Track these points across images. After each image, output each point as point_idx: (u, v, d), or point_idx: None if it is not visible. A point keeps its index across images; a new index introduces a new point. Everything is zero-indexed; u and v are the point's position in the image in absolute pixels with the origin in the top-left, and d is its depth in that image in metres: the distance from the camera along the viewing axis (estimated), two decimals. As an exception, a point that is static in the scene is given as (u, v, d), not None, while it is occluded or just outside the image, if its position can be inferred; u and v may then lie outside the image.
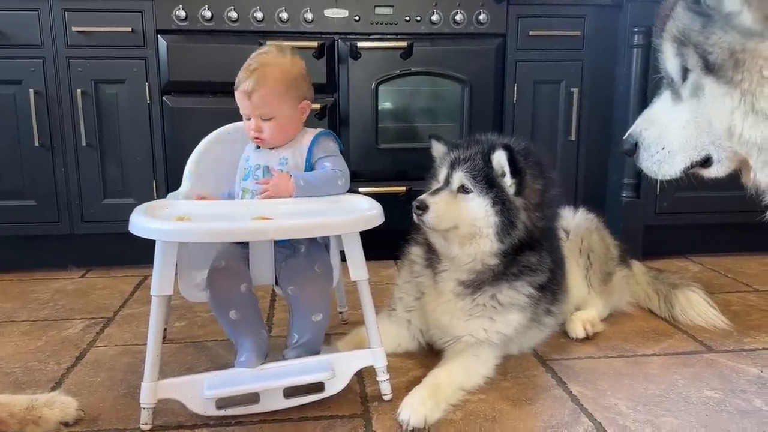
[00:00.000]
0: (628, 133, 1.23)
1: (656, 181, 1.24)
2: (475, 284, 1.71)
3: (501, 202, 1.64)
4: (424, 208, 1.64)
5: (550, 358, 1.86)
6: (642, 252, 2.80)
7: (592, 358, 1.88)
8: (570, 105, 2.85)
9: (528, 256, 1.70)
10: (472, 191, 1.66)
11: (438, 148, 1.83)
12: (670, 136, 1.16)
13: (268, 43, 2.56)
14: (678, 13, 1.08)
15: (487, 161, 1.66)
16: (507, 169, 1.64)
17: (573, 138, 2.88)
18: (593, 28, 2.80)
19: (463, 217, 1.66)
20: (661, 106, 1.18)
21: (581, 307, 2.08)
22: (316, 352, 1.62)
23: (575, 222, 2.14)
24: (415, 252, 1.87)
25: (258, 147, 1.77)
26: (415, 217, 1.66)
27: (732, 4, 0.97)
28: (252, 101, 1.66)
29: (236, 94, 1.70)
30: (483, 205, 1.65)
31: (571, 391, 1.66)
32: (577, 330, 1.98)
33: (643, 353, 1.91)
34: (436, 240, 1.75)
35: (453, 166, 1.70)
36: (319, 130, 1.77)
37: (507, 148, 1.64)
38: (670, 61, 1.12)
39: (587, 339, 1.98)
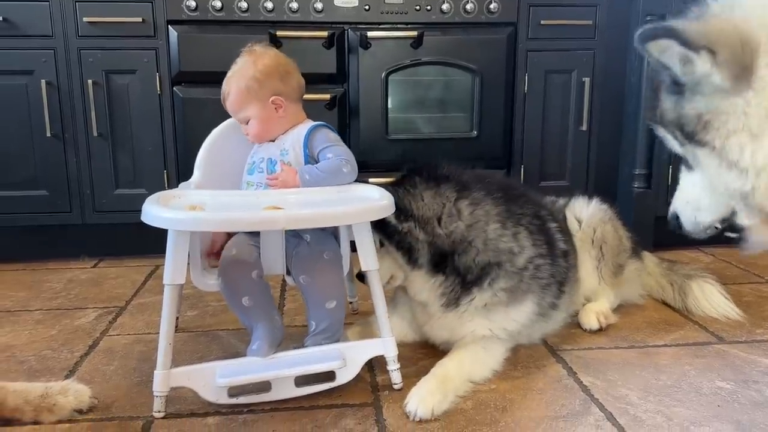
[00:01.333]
0: (669, 213, 1.33)
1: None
2: (452, 301, 1.71)
3: (392, 235, 1.67)
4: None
5: (561, 349, 1.86)
6: (653, 243, 2.78)
7: (602, 348, 1.87)
8: (581, 95, 2.83)
9: (471, 256, 1.68)
10: (384, 241, 1.70)
11: None
12: (695, 199, 1.25)
13: (277, 33, 2.57)
14: (659, 97, 1.16)
15: None
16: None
17: (584, 128, 2.86)
18: (605, 17, 2.78)
19: (391, 269, 1.72)
20: (683, 179, 1.27)
21: (591, 298, 2.07)
22: (337, 339, 1.63)
23: (589, 212, 2.11)
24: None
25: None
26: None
27: (703, 66, 1.01)
28: (228, 106, 1.79)
29: None
30: (391, 250, 1.69)
31: (581, 382, 1.66)
32: (591, 322, 1.98)
33: (654, 344, 1.90)
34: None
35: None
36: (313, 123, 1.77)
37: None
38: (670, 142, 1.19)
39: (600, 330, 1.97)
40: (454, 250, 1.67)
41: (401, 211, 1.65)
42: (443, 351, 1.75)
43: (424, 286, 1.72)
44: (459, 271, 1.68)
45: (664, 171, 2.81)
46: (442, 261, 1.68)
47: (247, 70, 1.74)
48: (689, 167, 1.20)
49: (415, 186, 1.71)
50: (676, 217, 1.30)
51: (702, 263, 2.69)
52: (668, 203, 2.72)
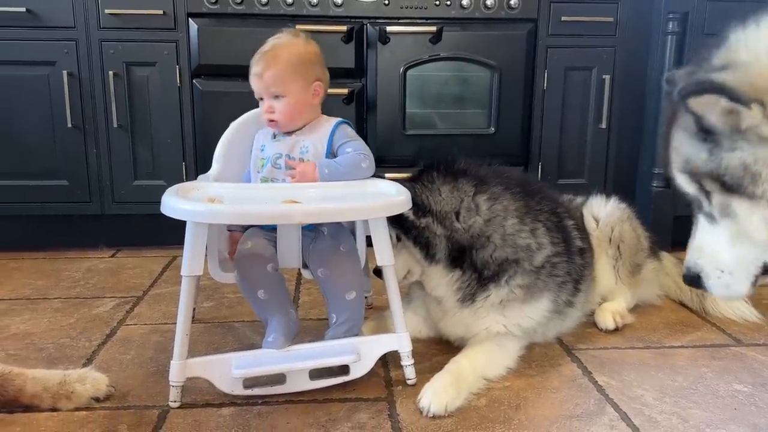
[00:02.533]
0: (685, 267, 1.22)
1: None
2: (468, 297, 1.71)
3: (410, 230, 1.66)
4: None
5: (576, 348, 1.85)
6: (671, 243, 2.76)
7: (618, 348, 1.86)
8: (601, 92, 2.80)
9: (490, 252, 1.67)
10: (401, 237, 1.70)
11: None
12: (722, 259, 1.15)
13: (297, 27, 2.57)
14: (679, 142, 1.08)
15: None
16: None
17: (604, 126, 2.84)
18: (627, 14, 2.75)
19: (407, 264, 1.72)
20: (702, 231, 1.17)
21: (608, 297, 2.06)
22: (357, 331, 1.63)
23: (606, 211, 2.10)
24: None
25: (275, 136, 1.77)
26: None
27: (751, 118, 0.96)
28: (264, 80, 1.68)
29: (250, 77, 1.73)
30: (408, 245, 1.69)
31: (596, 381, 1.65)
32: (607, 321, 1.96)
33: (670, 345, 1.89)
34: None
35: None
36: (337, 119, 1.77)
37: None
38: (688, 188, 1.11)
39: (616, 330, 1.96)
40: (472, 245, 1.67)
41: (419, 207, 1.65)
42: (458, 347, 1.75)
43: (441, 281, 1.72)
44: (476, 267, 1.68)
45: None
46: (460, 256, 1.68)
47: (299, 47, 1.70)
48: (712, 219, 1.11)
49: (432, 181, 1.70)
50: (699, 278, 1.19)
51: (721, 264, 2.66)
52: (687, 203, 2.69)
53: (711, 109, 0.99)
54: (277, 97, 1.69)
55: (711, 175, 1.05)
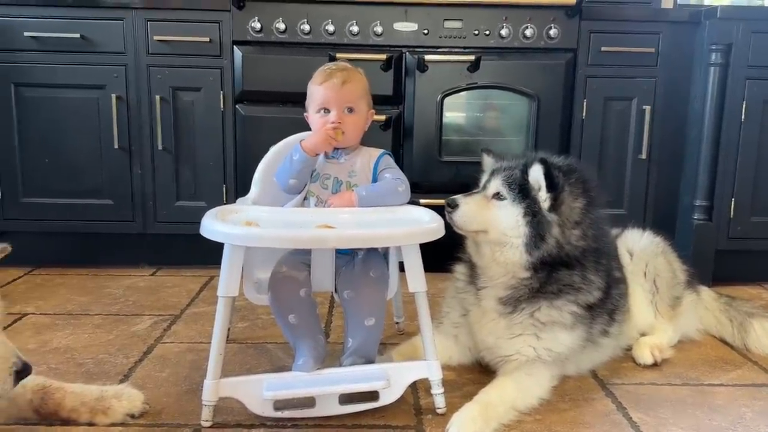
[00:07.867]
0: None
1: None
2: (512, 301, 1.70)
3: (533, 213, 1.64)
4: (454, 206, 1.69)
5: (611, 383, 1.82)
6: (712, 277, 2.69)
7: (655, 384, 1.82)
8: (641, 123, 2.78)
9: (567, 274, 1.67)
10: (505, 198, 1.67)
11: (487, 162, 1.85)
12: None
13: (337, 55, 2.62)
14: None
15: (525, 174, 1.67)
16: (543, 183, 1.64)
17: (644, 157, 2.80)
18: (668, 44, 2.73)
19: (492, 223, 1.68)
20: None
21: (648, 332, 2.01)
22: (371, 359, 1.63)
23: (640, 245, 2.07)
24: (460, 270, 1.90)
25: (326, 155, 1.81)
26: (446, 214, 1.68)
27: None
28: (343, 91, 1.76)
29: (319, 88, 1.77)
30: (514, 213, 1.65)
31: (631, 418, 1.62)
32: (645, 356, 1.92)
33: (709, 383, 1.84)
34: (470, 247, 1.79)
35: (493, 174, 1.74)
36: (382, 150, 1.85)
37: (543, 162, 1.64)
38: None
39: (654, 365, 1.92)
40: (567, 263, 1.67)
41: (556, 200, 1.64)
42: (488, 373, 1.73)
43: (509, 266, 1.68)
44: (547, 281, 1.67)
45: (726, 203, 2.73)
46: (548, 265, 1.66)
47: (363, 75, 1.84)
48: None
49: (573, 185, 1.69)
50: None
51: (764, 300, 2.59)
52: (729, 236, 2.68)
53: None
54: (351, 110, 1.78)
55: None
